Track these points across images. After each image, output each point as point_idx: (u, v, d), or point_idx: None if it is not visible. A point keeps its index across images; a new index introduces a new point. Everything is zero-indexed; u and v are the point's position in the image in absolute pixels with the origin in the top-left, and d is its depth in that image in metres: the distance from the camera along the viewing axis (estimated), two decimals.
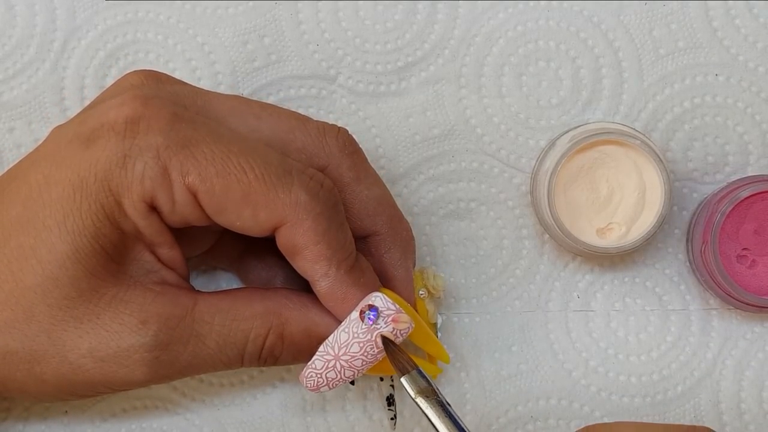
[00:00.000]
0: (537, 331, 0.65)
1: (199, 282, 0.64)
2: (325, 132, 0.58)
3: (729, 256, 0.62)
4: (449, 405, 0.54)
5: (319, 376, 0.56)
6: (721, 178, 0.65)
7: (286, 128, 0.57)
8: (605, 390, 0.64)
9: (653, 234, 0.61)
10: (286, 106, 0.63)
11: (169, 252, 0.56)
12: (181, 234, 0.57)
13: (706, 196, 0.65)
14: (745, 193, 0.61)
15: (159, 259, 0.56)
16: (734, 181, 0.64)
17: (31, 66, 0.65)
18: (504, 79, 0.65)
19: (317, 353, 0.56)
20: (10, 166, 0.59)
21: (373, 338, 0.56)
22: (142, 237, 0.55)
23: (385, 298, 0.56)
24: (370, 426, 0.64)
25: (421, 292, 0.60)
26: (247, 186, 0.54)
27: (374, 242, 0.59)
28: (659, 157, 0.61)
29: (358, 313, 0.56)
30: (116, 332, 0.55)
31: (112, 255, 0.55)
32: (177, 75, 0.64)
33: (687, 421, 0.64)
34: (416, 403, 0.54)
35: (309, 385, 0.57)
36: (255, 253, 0.62)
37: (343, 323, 0.56)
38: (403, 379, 0.55)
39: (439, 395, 0.54)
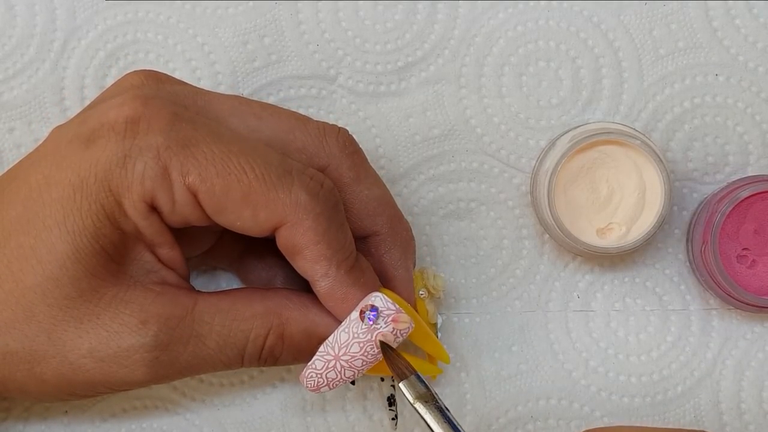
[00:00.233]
0: (537, 331, 0.65)
1: (199, 282, 0.64)
2: (326, 132, 0.58)
3: (729, 256, 0.62)
4: (448, 410, 0.54)
5: (319, 376, 0.56)
6: (721, 178, 0.65)
7: (287, 128, 0.57)
8: (605, 390, 0.64)
9: (653, 234, 0.61)
10: (286, 106, 0.63)
11: (170, 252, 0.56)
12: (181, 234, 0.57)
13: (706, 196, 0.65)
14: (745, 193, 0.61)
15: (159, 259, 0.56)
16: (734, 181, 0.64)
17: (31, 66, 0.65)
18: (504, 79, 0.65)
19: (317, 353, 0.56)
20: (10, 166, 0.58)
21: (373, 338, 0.56)
22: (142, 237, 0.55)
23: (385, 298, 0.56)
24: (370, 426, 0.64)
25: (421, 292, 0.60)
26: (248, 186, 0.54)
27: (374, 242, 0.59)
28: (659, 157, 0.61)
29: (358, 313, 0.56)
30: (116, 332, 0.55)
31: (112, 255, 0.55)
32: (177, 75, 0.64)
33: (687, 421, 0.64)
34: (415, 408, 0.54)
35: (309, 386, 0.57)
36: (255, 253, 0.62)
37: (343, 323, 0.56)
38: (401, 385, 0.55)
39: (438, 400, 0.54)
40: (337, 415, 0.64)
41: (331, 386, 0.57)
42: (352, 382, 0.61)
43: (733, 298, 0.62)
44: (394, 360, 0.55)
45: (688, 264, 0.65)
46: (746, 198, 0.61)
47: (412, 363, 0.56)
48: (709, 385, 0.65)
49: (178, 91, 0.57)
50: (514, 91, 0.65)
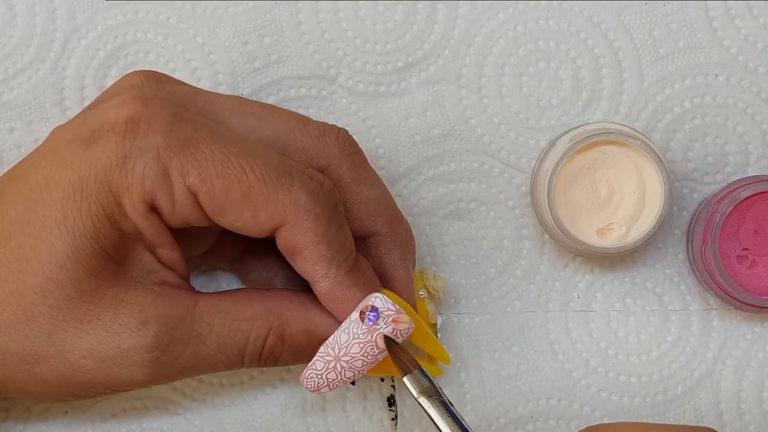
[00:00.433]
0: (537, 332, 0.65)
1: (199, 282, 0.64)
2: (325, 132, 0.58)
3: (729, 256, 0.62)
4: (452, 404, 0.54)
5: (319, 377, 0.56)
6: (721, 178, 0.65)
7: (287, 128, 0.57)
8: (605, 390, 0.64)
9: (653, 234, 0.61)
10: (286, 106, 0.63)
11: (170, 252, 0.56)
12: (181, 234, 0.57)
13: (706, 196, 0.65)
14: (745, 194, 0.61)
15: (159, 260, 0.56)
16: (734, 182, 0.64)
17: (31, 66, 0.65)
18: (504, 79, 0.65)
19: (317, 354, 0.56)
20: (10, 166, 0.58)
21: (374, 339, 0.56)
22: (142, 237, 0.55)
23: (385, 299, 0.56)
24: (370, 426, 0.64)
25: (421, 293, 0.60)
26: (248, 186, 0.54)
27: (374, 243, 0.59)
28: (659, 158, 0.61)
29: (358, 314, 0.56)
30: (116, 333, 0.55)
31: (112, 255, 0.55)
32: (177, 75, 0.64)
33: (687, 421, 0.64)
34: (419, 402, 0.54)
35: (309, 386, 0.57)
36: (255, 254, 0.62)
37: (343, 324, 0.56)
38: (405, 379, 0.55)
39: (442, 395, 0.54)
40: (337, 415, 0.64)
41: (331, 387, 0.57)
42: (353, 383, 0.61)
43: (733, 298, 0.62)
44: (398, 354, 0.55)
45: (688, 264, 0.65)
46: (746, 198, 0.61)
47: None
48: (709, 385, 0.65)
49: (178, 92, 0.57)
50: (514, 91, 0.65)
